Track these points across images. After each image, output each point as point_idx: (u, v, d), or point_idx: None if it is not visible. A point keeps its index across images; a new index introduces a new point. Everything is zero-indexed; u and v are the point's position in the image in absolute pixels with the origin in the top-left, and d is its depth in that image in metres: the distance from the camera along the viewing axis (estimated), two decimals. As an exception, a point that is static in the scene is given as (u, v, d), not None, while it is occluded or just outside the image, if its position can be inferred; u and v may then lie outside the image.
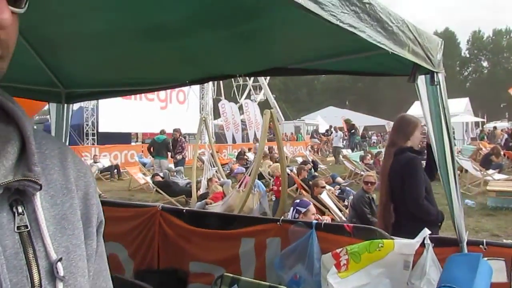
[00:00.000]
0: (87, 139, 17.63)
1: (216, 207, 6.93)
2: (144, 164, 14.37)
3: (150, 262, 3.46)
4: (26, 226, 0.61)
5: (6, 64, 0.56)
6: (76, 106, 12.88)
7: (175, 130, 13.11)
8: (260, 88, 33.57)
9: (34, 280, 0.58)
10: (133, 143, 20.64)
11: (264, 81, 31.45)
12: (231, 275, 2.53)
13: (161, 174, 11.04)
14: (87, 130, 17.60)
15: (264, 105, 25.89)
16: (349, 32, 1.28)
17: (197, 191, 9.21)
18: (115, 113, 17.31)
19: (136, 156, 16.75)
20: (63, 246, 0.64)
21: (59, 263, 0.61)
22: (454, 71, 66.75)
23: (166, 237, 3.41)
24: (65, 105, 3.56)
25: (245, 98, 30.65)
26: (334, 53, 2.33)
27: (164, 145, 12.41)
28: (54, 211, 0.66)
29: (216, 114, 25.80)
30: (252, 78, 32.19)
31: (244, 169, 9.58)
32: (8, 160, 0.61)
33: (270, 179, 10.52)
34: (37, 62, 2.78)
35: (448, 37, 61.49)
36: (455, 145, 2.86)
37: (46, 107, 3.94)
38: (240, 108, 26.11)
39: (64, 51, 2.62)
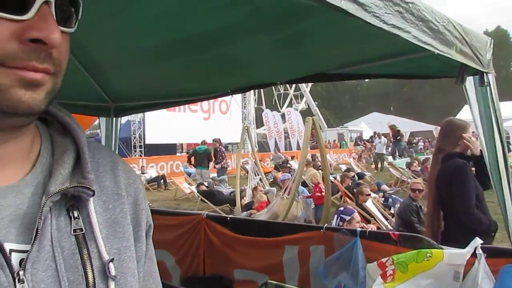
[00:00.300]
0: (135, 151, 18.24)
1: (261, 215, 6.94)
2: (189, 174, 14.63)
3: (196, 269, 3.52)
4: (81, 229, 0.65)
5: (59, 80, 0.60)
6: (123, 119, 13.28)
7: (214, 140, 13.27)
8: (302, 97, 33.40)
9: (89, 279, 0.62)
10: (178, 154, 21.12)
11: (305, 88, 31.31)
12: (275, 282, 2.53)
13: (206, 184, 11.22)
14: (134, 143, 18.23)
15: (306, 114, 25.75)
16: (393, 33, 1.26)
17: (241, 200, 9.27)
18: (160, 125, 17.85)
19: (182, 166, 17.11)
20: (115, 248, 0.68)
21: (111, 264, 0.65)
22: (508, 71, 63.44)
23: (211, 244, 3.47)
24: (114, 118, 3.73)
25: (287, 107, 30.62)
26: (377, 57, 2.28)
27: (205, 155, 12.60)
28: (106, 215, 0.70)
29: (258, 123, 25.96)
30: (293, 87, 32.16)
31: (289, 175, 9.55)
32: (65, 168, 0.66)
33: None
34: (88, 80, 2.93)
35: (499, 35, 58.41)
36: (509, 150, 2.72)
37: (97, 122, 4.14)
38: (283, 116, 26.11)
39: (112, 67, 2.75)
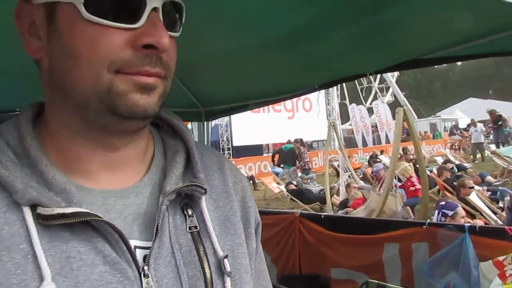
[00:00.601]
0: (223, 153, 18.85)
1: (358, 213, 6.74)
2: (277, 174, 14.76)
3: (292, 267, 3.52)
4: (196, 227, 0.67)
5: (169, 84, 0.62)
6: (212, 123, 13.87)
7: (295, 140, 13.20)
8: (387, 90, 31.98)
9: (206, 275, 0.64)
10: (265, 154, 21.43)
11: (391, 79, 29.92)
12: (377, 281, 2.43)
13: (294, 182, 11.23)
14: (222, 145, 18.88)
15: (393, 106, 24.60)
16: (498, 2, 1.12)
17: (331, 198, 9.12)
18: (246, 127, 18.25)
19: (269, 166, 17.33)
20: (228, 244, 0.69)
21: (225, 260, 0.66)
22: None
23: (306, 243, 3.44)
24: (205, 122, 3.88)
25: (372, 100, 29.53)
26: (475, 35, 2.08)
27: (291, 154, 12.63)
28: (217, 213, 0.71)
29: (343, 119, 25.37)
30: (377, 80, 30.89)
31: (382, 165, 9.17)
32: (177, 169, 0.69)
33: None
34: (178, 86, 3.08)
35: None
36: None
37: (189, 127, 4.33)
38: (369, 110, 25.24)
39: (201, 72, 2.85)
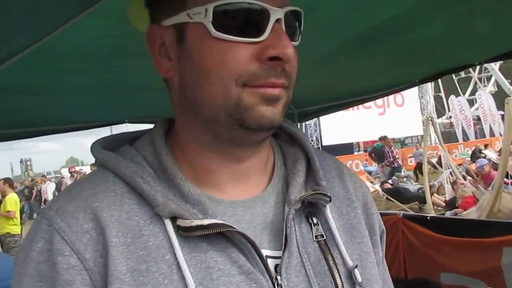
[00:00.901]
0: (313, 153, 18.74)
1: (470, 215, 6.21)
2: (369, 173, 14.32)
3: (396, 271, 3.36)
4: (322, 236, 0.66)
5: (291, 93, 0.62)
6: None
7: (380, 138, 12.65)
8: (487, 79, 29.18)
9: (338, 285, 0.62)
10: (355, 153, 20.91)
11: (494, 66, 27.29)
12: (497, 289, 2.21)
13: (390, 181, 10.77)
14: (312, 145, 18.67)
15: (496, 96, 22.49)
16: None
17: (431, 196, 8.58)
18: (335, 125, 17.96)
19: (361, 165, 16.87)
20: (356, 253, 0.67)
21: (356, 270, 0.64)
22: None
23: (411, 245, 3.27)
24: (298, 124, 3.87)
25: (470, 94, 27.20)
26: None
27: (384, 152, 12.18)
28: (342, 221, 0.70)
29: (439, 113, 23.77)
30: (476, 70, 28.36)
31: (486, 160, 8.40)
32: (299, 177, 0.68)
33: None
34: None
35: None
36: None
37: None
38: (469, 102, 23.33)
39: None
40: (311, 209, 0.67)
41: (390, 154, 12.34)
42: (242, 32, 0.56)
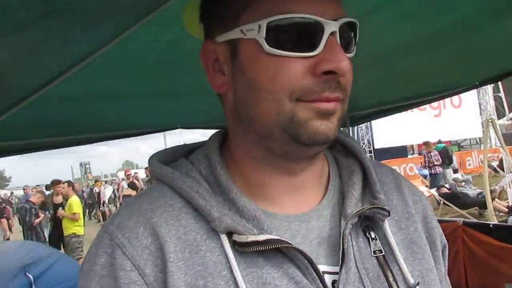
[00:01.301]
0: (365, 157, 18.31)
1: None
2: (424, 176, 13.77)
3: (456, 281, 3.21)
4: (381, 251, 0.64)
5: (346, 105, 0.60)
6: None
7: (423, 143, 12.12)
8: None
9: None
10: (409, 156, 20.19)
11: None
12: None
13: (447, 186, 10.29)
14: (364, 148, 18.29)
15: None
16: None
17: (492, 201, 8.09)
18: (388, 128, 17.43)
19: (416, 168, 16.26)
20: (417, 270, 0.65)
21: None
22: None
23: (472, 254, 3.11)
24: (350, 128, 3.79)
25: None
26: None
27: (444, 153, 11.63)
28: (401, 235, 0.67)
29: (500, 114, 22.43)
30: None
31: None
32: (355, 190, 0.67)
33: None
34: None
35: None
36: None
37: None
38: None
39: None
40: (368, 222, 0.66)
41: (427, 159, 11.79)
42: (296, 47, 0.55)
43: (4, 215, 9.95)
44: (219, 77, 0.63)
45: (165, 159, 0.69)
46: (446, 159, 11.68)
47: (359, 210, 0.63)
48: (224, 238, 0.58)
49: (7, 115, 1.94)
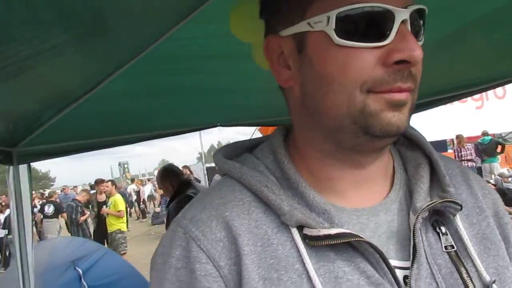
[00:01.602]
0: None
1: None
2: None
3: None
4: (452, 246, 0.62)
5: (416, 96, 0.59)
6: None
7: (456, 136, 11.67)
8: None
9: None
10: (449, 150, 19.55)
11: None
12: None
13: (492, 181, 9.89)
14: (401, 142, 17.96)
15: None
16: None
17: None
18: (425, 121, 16.87)
19: (457, 163, 15.75)
20: (491, 267, 0.62)
21: (494, 285, 0.60)
22: None
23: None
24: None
25: None
26: None
27: (492, 146, 11.21)
28: (473, 230, 0.65)
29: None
30: None
31: None
32: (424, 183, 0.65)
33: None
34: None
35: None
36: None
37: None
38: None
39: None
40: (437, 217, 0.64)
41: (456, 154, 11.33)
42: (366, 37, 0.54)
43: (63, 212, 10.49)
44: (284, 72, 0.63)
45: (229, 155, 0.70)
46: (494, 151, 11.22)
47: (430, 204, 0.61)
48: (294, 231, 0.58)
49: (55, 119, 2.02)
